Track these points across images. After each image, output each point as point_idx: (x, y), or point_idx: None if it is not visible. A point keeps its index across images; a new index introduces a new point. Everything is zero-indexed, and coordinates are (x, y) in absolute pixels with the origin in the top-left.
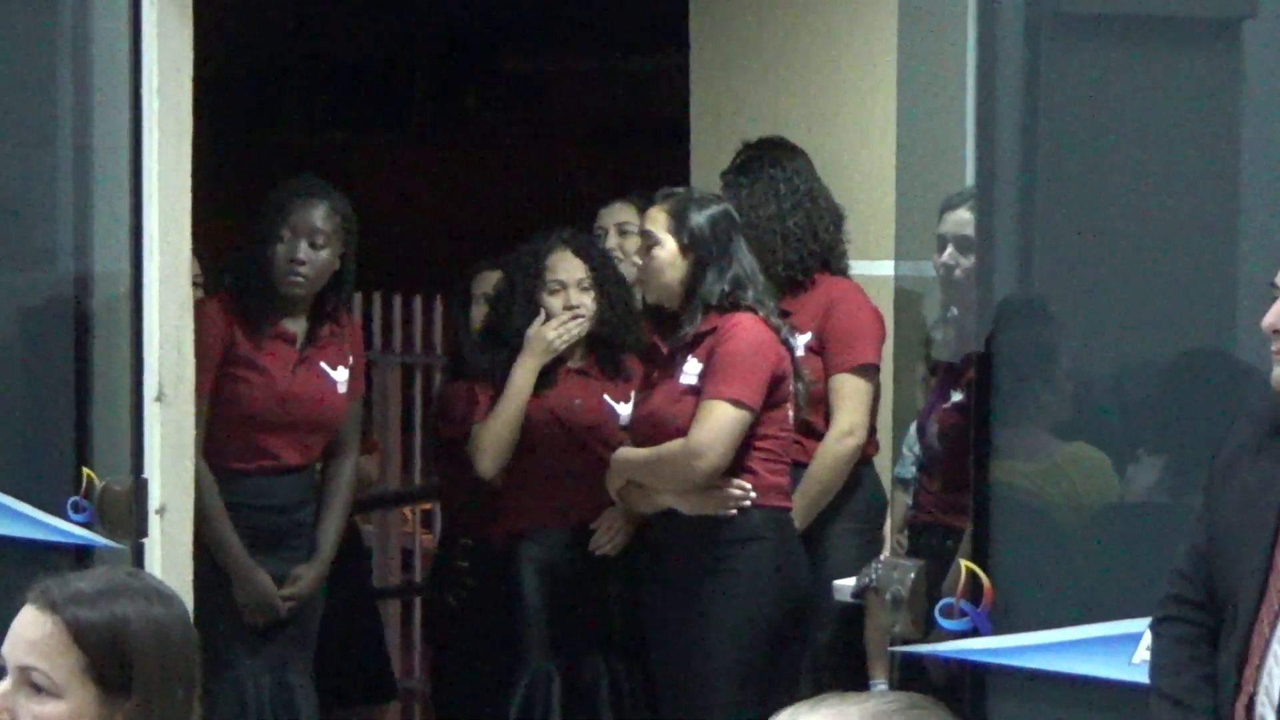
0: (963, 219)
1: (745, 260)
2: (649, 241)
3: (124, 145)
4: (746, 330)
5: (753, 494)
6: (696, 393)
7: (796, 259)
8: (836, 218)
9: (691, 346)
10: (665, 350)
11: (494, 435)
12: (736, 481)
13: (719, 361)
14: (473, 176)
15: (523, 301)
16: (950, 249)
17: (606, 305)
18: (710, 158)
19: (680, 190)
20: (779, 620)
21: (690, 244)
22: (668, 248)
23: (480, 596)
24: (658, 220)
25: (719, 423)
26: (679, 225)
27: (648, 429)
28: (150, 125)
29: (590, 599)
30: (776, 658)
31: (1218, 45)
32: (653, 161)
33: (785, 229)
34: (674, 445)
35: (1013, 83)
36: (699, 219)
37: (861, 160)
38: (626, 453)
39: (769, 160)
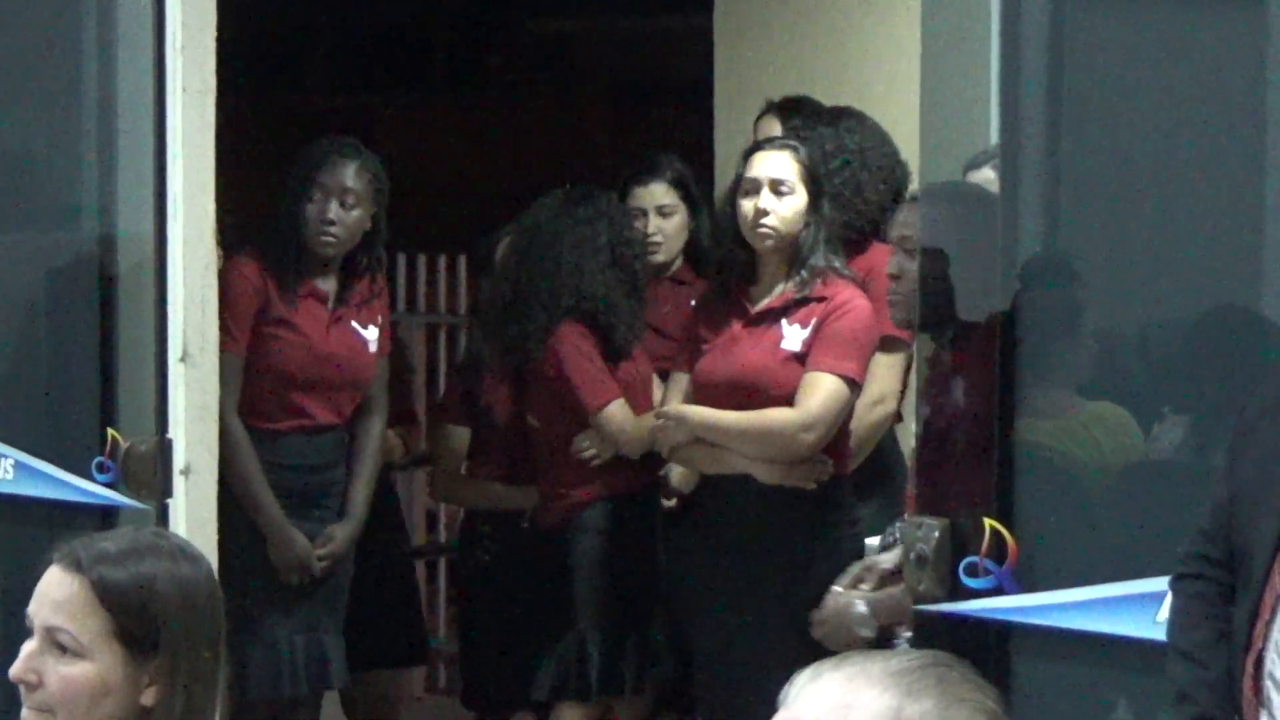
0: (985, 178)
1: (835, 219)
2: (781, 189)
3: (148, 106)
4: (862, 309)
5: (832, 469)
6: (799, 360)
7: (844, 220)
8: (891, 180)
9: (789, 310)
10: (751, 306)
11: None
12: (820, 456)
13: (835, 335)
14: (496, 136)
15: (620, 263)
16: None
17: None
18: (733, 118)
19: (792, 140)
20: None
21: (819, 200)
22: (801, 199)
23: (503, 560)
24: (788, 169)
25: (832, 398)
26: (809, 177)
27: (735, 389)
28: (174, 86)
29: (642, 562)
30: None
31: (1244, 2)
32: (676, 122)
33: (832, 189)
34: (782, 415)
35: (1037, 40)
36: (821, 174)
37: (885, 119)
38: (707, 413)
39: (825, 118)
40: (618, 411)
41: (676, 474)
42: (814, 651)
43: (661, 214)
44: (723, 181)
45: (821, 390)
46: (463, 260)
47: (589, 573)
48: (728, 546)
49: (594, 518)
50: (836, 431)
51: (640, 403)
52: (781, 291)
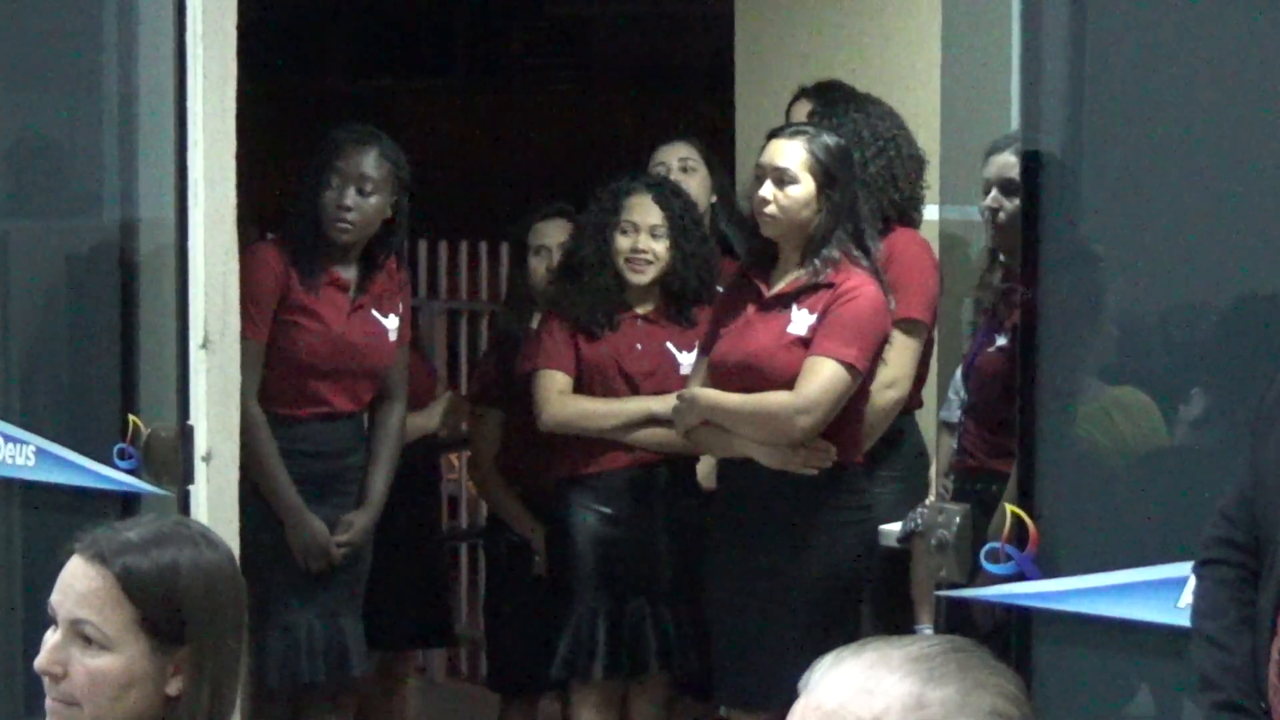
0: (1007, 162)
1: (864, 207)
2: (783, 177)
3: (168, 92)
4: (870, 296)
5: (835, 456)
6: (804, 344)
7: (875, 207)
8: (918, 166)
9: (800, 296)
10: (766, 291)
11: (580, 420)
12: (822, 443)
13: (839, 321)
14: (517, 120)
15: (593, 235)
16: (995, 192)
17: (680, 256)
18: (754, 102)
19: (809, 128)
20: (860, 572)
21: (827, 187)
22: (805, 187)
23: (528, 543)
24: (794, 157)
25: (830, 383)
26: (819, 166)
27: (743, 372)
28: (195, 71)
29: (641, 543)
30: (857, 610)
31: None
32: (697, 105)
33: (866, 176)
34: (779, 397)
35: (1058, 24)
36: (836, 162)
37: (906, 104)
38: (713, 395)
39: (854, 105)
40: (542, 381)
41: (702, 469)
42: (827, 637)
43: (684, 169)
44: (743, 165)
45: (820, 375)
46: (484, 245)
47: (575, 551)
48: (741, 531)
49: (580, 495)
50: (847, 419)
51: (594, 386)
52: (795, 278)
